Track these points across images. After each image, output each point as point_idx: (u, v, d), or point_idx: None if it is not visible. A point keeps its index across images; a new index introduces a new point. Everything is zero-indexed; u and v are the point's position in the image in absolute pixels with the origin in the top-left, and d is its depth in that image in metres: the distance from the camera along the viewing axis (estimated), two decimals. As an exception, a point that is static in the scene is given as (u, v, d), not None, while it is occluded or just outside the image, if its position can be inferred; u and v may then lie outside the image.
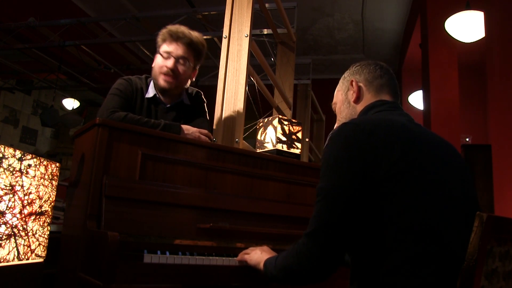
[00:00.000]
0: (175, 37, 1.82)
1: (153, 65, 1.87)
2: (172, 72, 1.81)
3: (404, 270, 0.94)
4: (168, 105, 1.88)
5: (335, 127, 1.31)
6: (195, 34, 1.87)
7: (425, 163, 1.02)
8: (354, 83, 1.28)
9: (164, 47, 1.83)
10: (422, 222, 0.96)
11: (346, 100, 1.31)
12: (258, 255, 1.28)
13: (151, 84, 1.88)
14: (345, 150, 1.03)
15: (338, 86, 1.38)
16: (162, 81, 1.82)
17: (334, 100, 1.38)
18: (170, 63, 1.81)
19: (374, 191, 0.98)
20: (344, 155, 1.02)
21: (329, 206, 1.01)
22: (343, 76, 1.37)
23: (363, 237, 1.02)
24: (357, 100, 1.27)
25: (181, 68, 1.83)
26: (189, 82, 1.93)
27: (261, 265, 1.23)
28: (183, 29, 1.85)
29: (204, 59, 1.98)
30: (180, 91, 1.90)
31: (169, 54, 1.82)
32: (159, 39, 1.86)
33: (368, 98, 1.26)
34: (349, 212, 1.00)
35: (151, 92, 1.86)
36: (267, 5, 2.93)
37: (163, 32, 1.85)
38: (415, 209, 0.97)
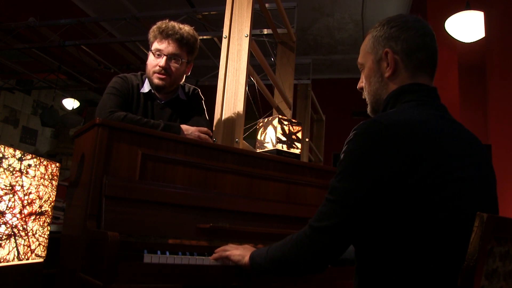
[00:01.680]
0: (165, 34, 1.80)
1: (146, 63, 1.86)
2: (165, 71, 1.80)
3: (421, 278, 0.93)
4: (164, 101, 1.88)
5: (364, 97, 1.22)
6: (185, 29, 1.84)
7: (455, 174, 0.97)
8: (389, 55, 1.13)
9: (155, 45, 1.82)
10: (445, 235, 0.94)
11: (378, 71, 1.16)
12: (241, 251, 1.26)
13: (146, 80, 1.87)
14: (369, 154, 0.97)
15: (366, 44, 1.20)
16: (155, 79, 1.81)
17: (361, 60, 1.22)
18: (162, 61, 1.80)
19: (396, 200, 0.95)
20: (368, 159, 0.97)
21: (343, 209, 0.98)
22: (374, 30, 1.18)
23: (374, 239, 1.00)
24: (392, 76, 1.13)
25: (173, 66, 1.82)
26: (184, 77, 1.93)
27: (246, 259, 1.21)
28: (172, 25, 1.83)
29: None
30: (175, 87, 1.90)
31: (160, 52, 1.81)
32: (150, 36, 1.85)
33: (403, 78, 1.12)
34: (362, 218, 0.97)
35: (146, 87, 1.86)
36: (267, 5, 2.93)
37: (153, 29, 1.84)
38: (441, 221, 0.94)
